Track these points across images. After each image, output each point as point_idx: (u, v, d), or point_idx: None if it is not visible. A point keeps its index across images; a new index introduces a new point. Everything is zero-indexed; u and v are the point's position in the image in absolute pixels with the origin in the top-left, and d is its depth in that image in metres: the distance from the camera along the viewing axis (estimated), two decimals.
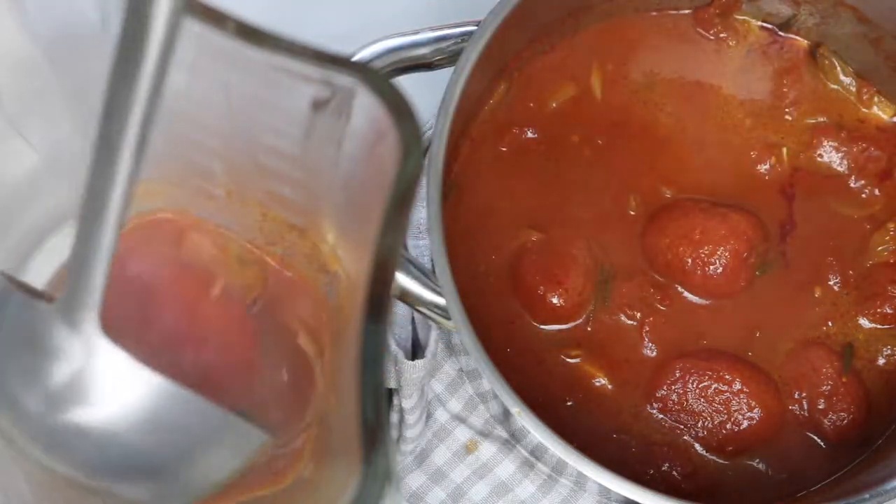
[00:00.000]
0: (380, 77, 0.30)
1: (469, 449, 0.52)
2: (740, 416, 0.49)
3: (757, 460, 0.49)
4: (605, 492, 0.50)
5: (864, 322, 0.51)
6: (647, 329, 0.50)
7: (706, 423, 0.49)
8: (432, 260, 0.44)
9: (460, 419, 0.52)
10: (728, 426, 0.49)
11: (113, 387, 0.33)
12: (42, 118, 0.37)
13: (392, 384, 0.49)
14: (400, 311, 0.51)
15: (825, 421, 0.49)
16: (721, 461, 0.49)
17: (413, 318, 0.52)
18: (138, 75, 0.27)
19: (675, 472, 0.48)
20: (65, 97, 0.36)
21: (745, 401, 0.49)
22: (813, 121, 0.54)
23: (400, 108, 0.30)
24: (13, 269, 0.42)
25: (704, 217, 0.50)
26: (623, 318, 0.50)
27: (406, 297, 0.44)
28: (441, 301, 0.43)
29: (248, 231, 0.45)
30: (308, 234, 0.43)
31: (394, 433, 0.51)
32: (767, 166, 0.53)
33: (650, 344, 0.50)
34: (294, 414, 0.44)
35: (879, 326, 0.51)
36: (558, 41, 0.54)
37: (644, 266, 0.51)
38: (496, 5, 0.46)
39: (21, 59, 0.34)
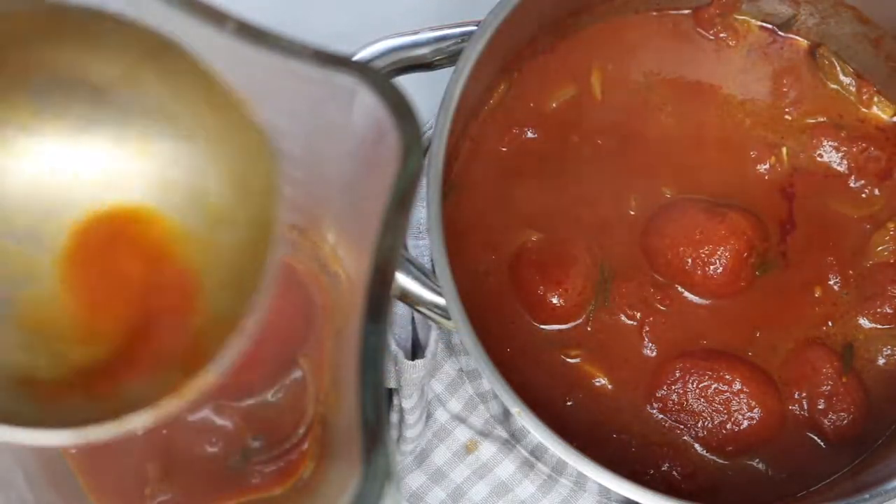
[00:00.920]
0: (380, 77, 0.30)
1: (469, 449, 0.52)
2: (740, 416, 0.49)
3: (757, 460, 0.49)
4: (605, 492, 0.50)
5: (865, 322, 0.51)
6: (647, 329, 0.50)
7: (706, 423, 0.49)
8: (432, 260, 0.44)
9: (460, 419, 0.52)
10: (728, 426, 0.49)
11: None
12: None
13: (392, 384, 0.49)
14: (400, 311, 0.51)
15: (825, 421, 0.49)
16: (721, 461, 0.49)
17: (413, 318, 0.52)
18: None
19: (675, 472, 0.48)
20: None
21: (745, 401, 0.49)
22: (813, 120, 0.54)
23: (400, 108, 0.29)
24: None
25: (705, 217, 0.50)
26: (623, 317, 0.50)
27: (406, 297, 0.44)
28: (441, 301, 0.43)
29: None
30: (308, 234, 0.43)
31: (394, 433, 0.51)
32: (767, 166, 0.53)
33: (650, 344, 0.50)
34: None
35: (879, 326, 0.51)
36: (558, 41, 0.54)
37: (644, 266, 0.51)
38: (496, 5, 0.46)
39: None
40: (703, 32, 0.55)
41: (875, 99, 0.54)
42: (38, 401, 0.31)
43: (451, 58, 0.47)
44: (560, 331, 0.50)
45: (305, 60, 0.30)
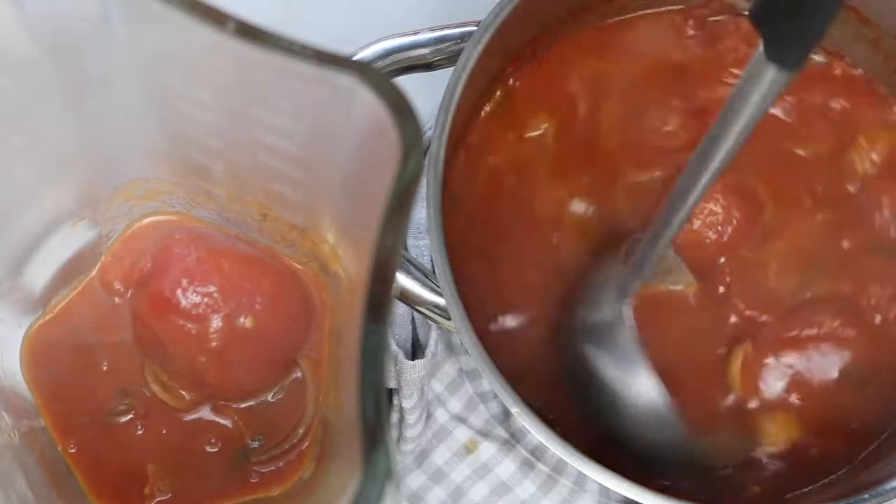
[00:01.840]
0: (380, 77, 0.30)
1: (469, 449, 0.52)
2: None
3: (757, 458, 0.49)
4: (605, 492, 0.50)
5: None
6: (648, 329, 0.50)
7: None
8: (432, 260, 0.44)
9: (460, 419, 0.52)
10: None
11: None
12: (42, 118, 0.37)
13: (392, 384, 0.49)
14: (400, 311, 0.51)
15: (824, 421, 0.49)
16: None
17: (413, 318, 0.52)
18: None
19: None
20: (65, 96, 0.36)
21: None
22: None
23: (400, 108, 0.29)
24: (13, 269, 0.42)
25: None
26: None
27: (406, 297, 0.44)
28: (441, 301, 0.43)
29: (248, 231, 0.45)
30: (308, 234, 0.43)
31: (394, 433, 0.51)
32: None
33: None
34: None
35: None
36: (558, 41, 0.54)
37: None
38: (496, 5, 0.46)
39: (21, 59, 0.34)
40: (702, 32, 0.55)
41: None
42: None
43: (451, 58, 0.47)
44: None
45: (305, 60, 0.30)
